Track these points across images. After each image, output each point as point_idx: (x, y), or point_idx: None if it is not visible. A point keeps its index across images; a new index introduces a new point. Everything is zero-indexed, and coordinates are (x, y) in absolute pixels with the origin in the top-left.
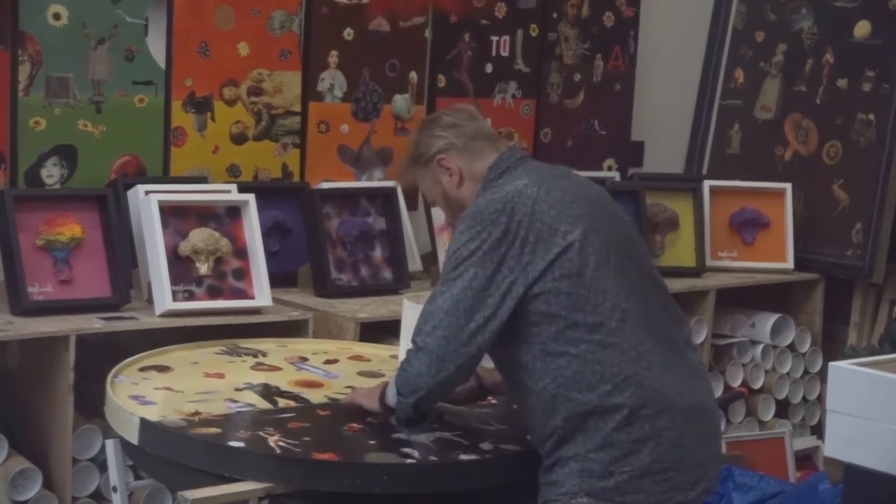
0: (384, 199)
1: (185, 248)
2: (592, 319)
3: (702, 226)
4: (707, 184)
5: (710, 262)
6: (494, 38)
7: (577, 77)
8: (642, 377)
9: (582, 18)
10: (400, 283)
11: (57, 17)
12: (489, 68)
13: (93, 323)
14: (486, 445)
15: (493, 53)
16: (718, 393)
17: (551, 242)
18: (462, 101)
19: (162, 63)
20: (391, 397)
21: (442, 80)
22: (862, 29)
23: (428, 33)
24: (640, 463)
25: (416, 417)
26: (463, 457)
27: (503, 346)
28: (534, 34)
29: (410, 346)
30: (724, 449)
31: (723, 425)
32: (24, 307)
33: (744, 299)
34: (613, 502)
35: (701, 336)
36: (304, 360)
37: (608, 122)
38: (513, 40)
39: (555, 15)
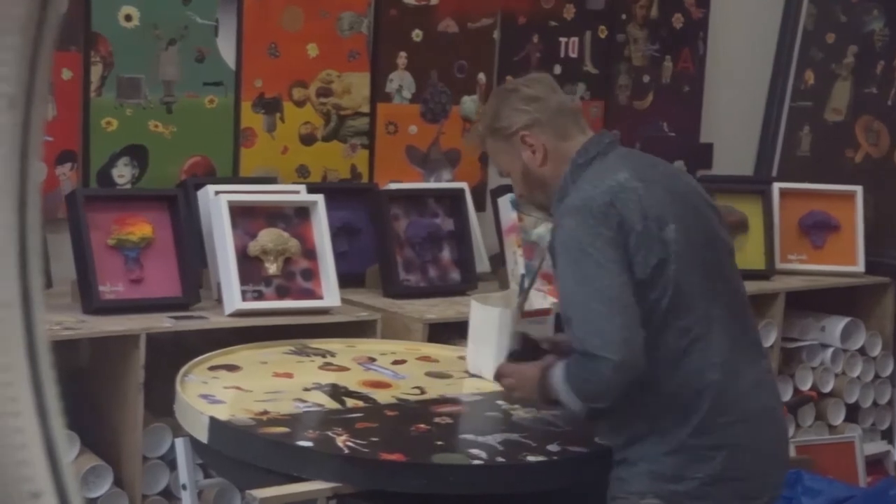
0: (452, 201)
1: (254, 248)
2: (683, 324)
3: (771, 228)
4: (777, 186)
5: (779, 265)
6: (563, 40)
7: (646, 78)
8: (721, 384)
9: (651, 20)
10: (468, 284)
11: (128, 18)
12: (557, 70)
13: (163, 322)
14: (553, 447)
15: (562, 55)
16: (788, 397)
17: (660, 241)
18: None
19: (232, 64)
20: (571, 404)
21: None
22: None
23: (496, 34)
24: (711, 470)
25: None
26: (530, 458)
27: None
28: (602, 35)
29: (579, 354)
30: (793, 453)
31: (792, 429)
32: (95, 306)
33: (813, 302)
34: None
35: (770, 339)
36: (373, 360)
37: (677, 124)
38: (581, 42)
39: (624, 16)
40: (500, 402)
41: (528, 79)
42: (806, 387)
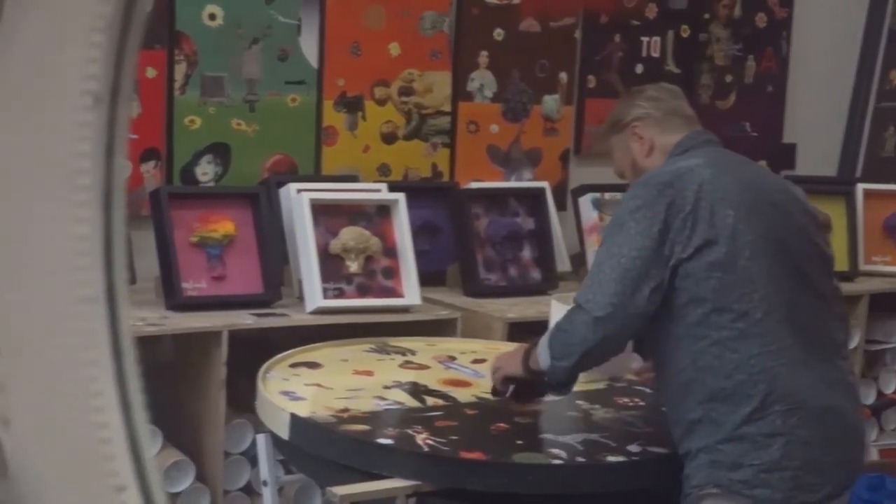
0: (533, 200)
1: (335, 246)
2: (738, 307)
3: (855, 229)
4: (861, 187)
5: (863, 267)
6: (645, 39)
7: (729, 78)
8: (778, 372)
9: (734, 19)
10: (548, 283)
11: (212, 17)
12: (639, 69)
13: (244, 319)
14: (633, 447)
15: (644, 54)
16: (871, 400)
17: (710, 224)
18: (612, 102)
19: (314, 63)
20: (542, 360)
21: (592, 81)
22: None
23: (578, 34)
24: (769, 457)
25: (568, 381)
26: (610, 458)
27: (652, 324)
28: (685, 35)
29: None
30: (875, 456)
31: (875, 433)
32: (178, 302)
33: None
34: (741, 495)
35: (854, 341)
36: (453, 359)
37: (760, 124)
38: (663, 41)
39: (706, 16)
40: (580, 401)
41: (658, 84)
42: (889, 390)
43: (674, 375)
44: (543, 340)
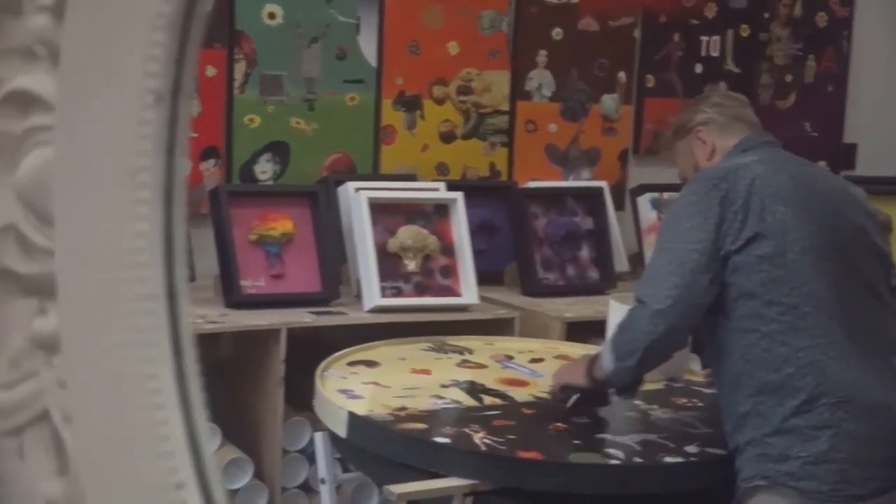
0: (591, 199)
1: (393, 244)
2: (787, 301)
3: None
4: None
5: None
6: (704, 39)
7: (789, 78)
8: (826, 366)
9: (794, 18)
10: (606, 283)
11: (272, 16)
12: (699, 69)
13: (303, 317)
14: (691, 448)
15: (703, 53)
16: None
17: (760, 218)
18: (671, 101)
19: (373, 62)
20: (606, 365)
21: (651, 81)
22: None
23: (637, 33)
24: (816, 450)
25: (633, 383)
26: (668, 459)
27: (707, 320)
28: (744, 34)
29: (632, 303)
30: None
31: None
32: (237, 300)
33: None
34: (787, 486)
35: None
36: (510, 358)
37: (820, 124)
38: (723, 40)
39: (766, 15)
40: (637, 401)
41: (724, 92)
42: None
43: (725, 370)
44: (606, 345)
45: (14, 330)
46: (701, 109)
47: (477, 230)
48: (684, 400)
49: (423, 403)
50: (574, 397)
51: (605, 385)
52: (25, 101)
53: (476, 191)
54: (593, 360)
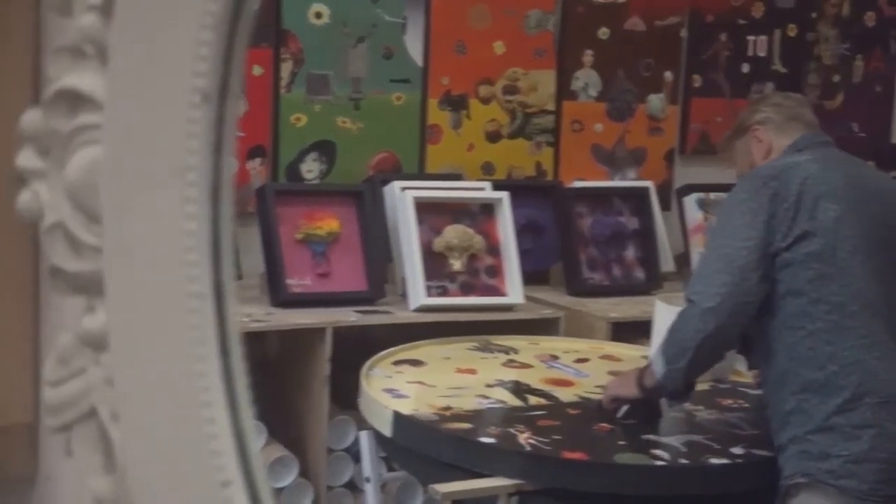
0: (637, 199)
1: (439, 244)
2: (835, 299)
3: None
4: None
5: None
6: (751, 38)
7: (836, 78)
8: (871, 365)
9: (842, 18)
10: (652, 283)
11: (318, 15)
12: (745, 68)
13: (348, 316)
14: (737, 450)
15: (750, 53)
16: None
17: (811, 216)
18: (718, 101)
19: (419, 61)
20: (657, 370)
21: (697, 80)
22: None
23: (684, 33)
24: (857, 448)
25: (685, 387)
26: (713, 460)
27: (755, 318)
28: (792, 34)
29: (684, 303)
30: None
31: None
32: (283, 299)
33: None
34: (827, 484)
35: None
36: (555, 358)
37: (868, 124)
38: (770, 40)
39: (814, 14)
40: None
41: (784, 92)
42: None
43: (771, 368)
44: (656, 350)
45: (63, 327)
46: (759, 109)
47: (522, 230)
48: (730, 401)
49: (469, 403)
50: (624, 408)
51: (657, 393)
52: (74, 100)
53: (522, 190)
54: (644, 370)
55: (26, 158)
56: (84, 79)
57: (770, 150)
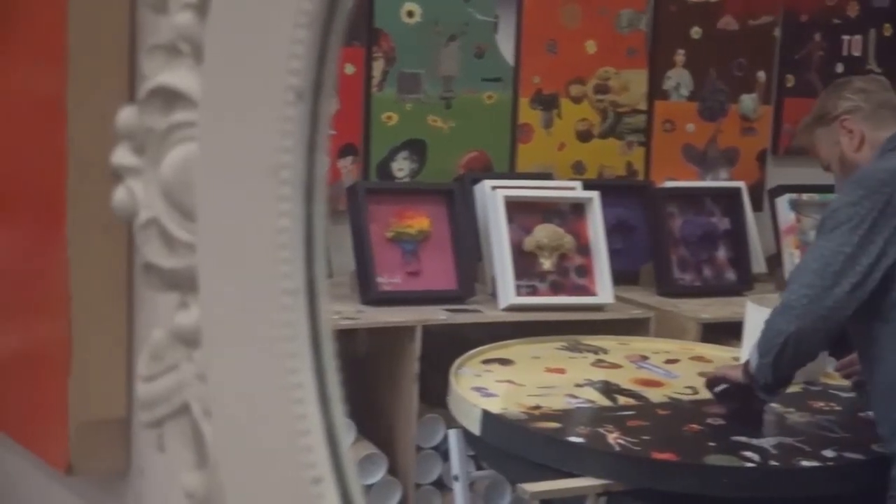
0: (729, 200)
1: (529, 243)
2: None
3: None
4: None
5: None
6: (846, 38)
7: None
8: None
9: None
10: (743, 284)
11: (410, 14)
12: (840, 69)
13: (438, 314)
14: (828, 452)
15: (844, 53)
16: None
17: None
18: (811, 102)
19: (510, 60)
20: (753, 362)
21: (790, 80)
22: None
23: (777, 32)
24: None
25: (773, 382)
26: (804, 463)
27: (861, 321)
28: (887, 34)
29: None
30: None
31: None
32: (373, 297)
33: None
34: None
35: None
36: (645, 358)
37: None
38: (865, 40)
39: None
40: (774, 404)
41: (863, 76)
42: None
43: (882, 376)
44: (755, 342)
45: (156, 323)
46: (845, 96)
47: (613, 229)
48: (821, 403)
49: (558, 402)
50: (723, 386)
51: (754, 382)
52: (169, 98)
53: (612, 190)
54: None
55: (121, 156)
56: (179, 76)
57: (862, 141)
